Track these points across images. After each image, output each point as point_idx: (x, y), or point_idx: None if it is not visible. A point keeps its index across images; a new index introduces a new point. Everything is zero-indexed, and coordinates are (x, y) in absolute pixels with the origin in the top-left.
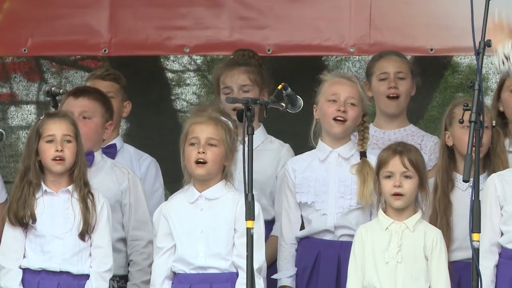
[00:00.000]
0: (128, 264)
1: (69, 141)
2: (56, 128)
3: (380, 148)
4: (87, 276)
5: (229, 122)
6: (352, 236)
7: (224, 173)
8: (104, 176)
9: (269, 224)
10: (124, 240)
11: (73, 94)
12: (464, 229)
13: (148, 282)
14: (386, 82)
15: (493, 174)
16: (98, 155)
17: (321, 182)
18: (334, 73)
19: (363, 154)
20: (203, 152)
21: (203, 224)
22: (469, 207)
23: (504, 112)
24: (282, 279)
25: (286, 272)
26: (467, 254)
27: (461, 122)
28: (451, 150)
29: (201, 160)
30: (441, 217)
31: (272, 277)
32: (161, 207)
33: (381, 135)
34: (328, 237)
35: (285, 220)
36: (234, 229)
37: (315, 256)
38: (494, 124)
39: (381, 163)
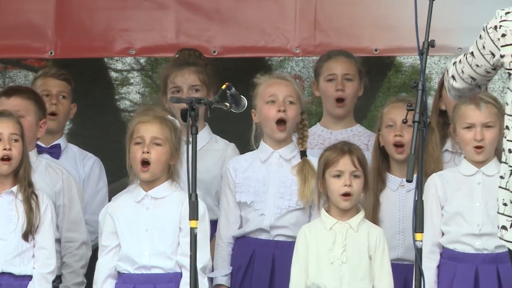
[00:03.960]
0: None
1: (16, 140)
2: (3, 127)
3: None
4: (29, 277)
5: (176, 121)
6: (288, 236)
7: (170, 172)
8: (38, 176)
9: (215, 224)
10: (59, 241)
11: (5, 94)
12: (390, 229)
13: (80, 284)
14: (333, 84)
15: (434, 174)
16: (32, 154)
17: (261, 182)
18: (268, 75)
19: (303, 154)
20: (148, 152)
21: (149, 223)
22: (398, 207)
23: (445, 112)
24: (218, 278)
25: (222, 271)
26: (394, 254)
27: (405, 122)
28: (385, 151)
29: (146, 160)
30: (371, 217)
31: (207, 275)
32: (107, 206)
33: (328, 135)
34: (263, 236)
35: (223, 219)
36: (179, 228)
37: (250, 255)
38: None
39: (329, 162)
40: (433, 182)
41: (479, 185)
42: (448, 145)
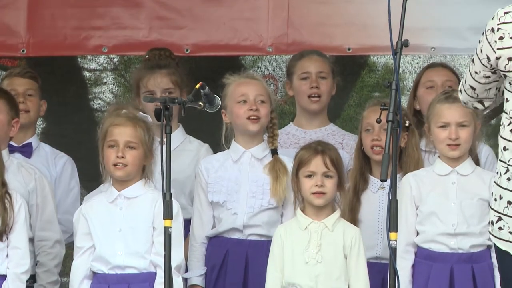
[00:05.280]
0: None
1: None
2: None
3: None
4: (3, 277)
5: (148, 117)
6: (261, 235)
7: (144, 172)
8: (10, 176)
9: (189, 223)
10: (32, 241)
11: None
12: (369, 229)
13: (55, 283)
14: (307, 82)
15: (408, 174)
16: (4, 154)
17: (233, 182)
18: (238, 74)
19: (274, 152)
20: (122, 157)
21: (122, 223)
22: (377, 208)
23: (419, 111)
24: (192, 278)
25: (196, 271)
26: (372, 253)
27: (379, 121)
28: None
29: (120, 164)
30: (348, 216)
31: (182, 276)
32: (81, 207)
33: (302, 135)
34: (236, 236)
35: (196, 219)
36: (153, 227)
37: (224, 254)
38: (407, 125)
39: (302, 163)
40: (408, 182)
41: (454, 185)
42: (422, 144)
